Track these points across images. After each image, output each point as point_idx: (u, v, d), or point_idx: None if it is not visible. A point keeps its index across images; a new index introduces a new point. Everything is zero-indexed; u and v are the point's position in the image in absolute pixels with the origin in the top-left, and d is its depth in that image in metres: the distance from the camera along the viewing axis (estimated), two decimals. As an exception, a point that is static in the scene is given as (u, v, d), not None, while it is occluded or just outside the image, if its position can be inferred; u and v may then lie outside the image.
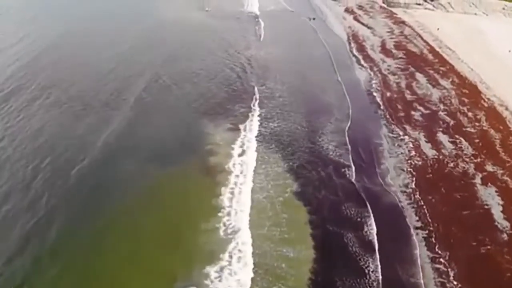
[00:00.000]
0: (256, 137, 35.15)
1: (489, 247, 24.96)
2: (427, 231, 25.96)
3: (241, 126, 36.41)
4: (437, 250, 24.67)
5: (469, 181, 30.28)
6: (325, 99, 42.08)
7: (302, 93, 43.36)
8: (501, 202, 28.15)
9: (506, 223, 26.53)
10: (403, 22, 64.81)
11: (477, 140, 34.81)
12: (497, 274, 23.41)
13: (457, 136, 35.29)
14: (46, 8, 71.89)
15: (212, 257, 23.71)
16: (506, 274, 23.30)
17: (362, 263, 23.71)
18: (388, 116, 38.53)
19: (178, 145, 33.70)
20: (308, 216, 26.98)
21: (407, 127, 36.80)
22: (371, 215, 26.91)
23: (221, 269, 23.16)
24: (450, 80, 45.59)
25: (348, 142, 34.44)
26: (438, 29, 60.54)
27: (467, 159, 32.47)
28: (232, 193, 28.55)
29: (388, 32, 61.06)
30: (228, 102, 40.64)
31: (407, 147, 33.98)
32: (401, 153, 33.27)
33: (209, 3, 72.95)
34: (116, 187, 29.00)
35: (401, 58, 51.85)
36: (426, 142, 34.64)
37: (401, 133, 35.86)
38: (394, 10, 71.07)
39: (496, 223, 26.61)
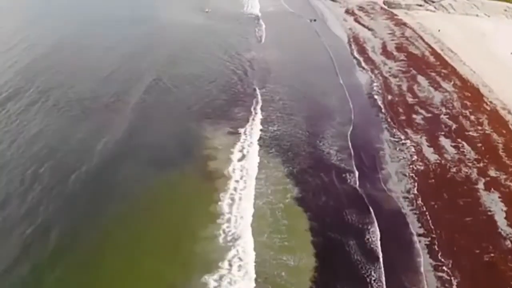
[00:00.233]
0: (256, 141, 34.60)
1: (492, 254, 24.59)
2: (429, 238, 25.58)
3: (241, 130, 35.96)
4: (440, 257, 24.29)
5: (472, 187, 29.91)
6: (327, 102, 41.66)
7: (303, 95, 42.99)
8: (504, 208, 27.78)
9: (509, 230, 26.18)
10: (404, 24, 64.31)
11: (479, 144, 34.45)
12: (501, 282, 23.04)
13: (459, 140, 34.92)
14: (46, 10, 71.37)
15: (211, 265, 23.26)
16: (510, 283, 22.93)
17: (364, 272, 23.28)
18: (389, 120, 38.15)
19: (178, 149, 33.19)
20: (309, 223, 26.53)
21: (409, 131, 36.43)
22: (375, 221, 26.49)
23: (221, 277, 22.72)
24: (452, 82, 45.21)
25: (350, 146, 34.05)
26: (439, 30, 60.11)
27: (469, 164, 32.11)
28: (232, 199, 28.11)
29: (389, 33, 60.63)
30: (229, 105, 40.20)
31: (409, 151, 33.60)
32: (403, 157, 32.90)
33: (208, 5, 72.53)
34: (114, 193, 28.55)
35: (402, 60, 51.46)
36: (428, 146, 34.28)
37: (402, 137, 35.50)
38: (395, 11, 70.60)
39: (500, 230, 26.25)
